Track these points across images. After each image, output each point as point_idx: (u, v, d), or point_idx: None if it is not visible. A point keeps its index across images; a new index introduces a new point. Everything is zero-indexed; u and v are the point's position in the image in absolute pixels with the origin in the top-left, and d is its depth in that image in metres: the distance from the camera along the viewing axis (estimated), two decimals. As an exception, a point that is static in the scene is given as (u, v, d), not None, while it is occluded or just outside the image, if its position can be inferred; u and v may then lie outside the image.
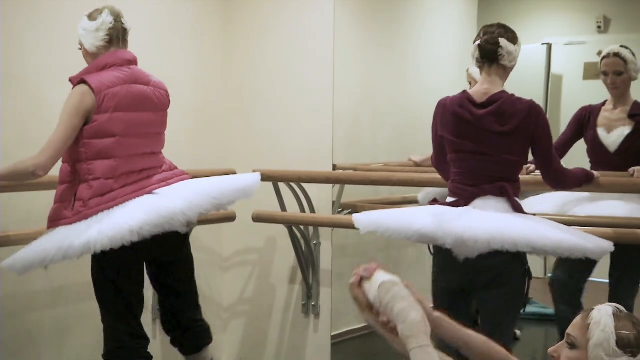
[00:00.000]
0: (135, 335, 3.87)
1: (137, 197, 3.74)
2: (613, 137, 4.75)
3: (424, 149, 4.04)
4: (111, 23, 3.84)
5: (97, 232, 3.53)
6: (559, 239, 3.61)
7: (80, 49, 3.88)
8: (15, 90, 4.48)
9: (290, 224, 5.22)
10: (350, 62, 5.60)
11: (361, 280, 2.53)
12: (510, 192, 3.71)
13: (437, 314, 2.55)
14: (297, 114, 5.55)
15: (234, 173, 5.07)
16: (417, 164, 5.23)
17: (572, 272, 4.83)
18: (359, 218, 3.96)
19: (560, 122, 5.12)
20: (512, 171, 3.76)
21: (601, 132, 4.79)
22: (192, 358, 4.11)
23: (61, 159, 3.73)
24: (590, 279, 4.90)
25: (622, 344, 2.33)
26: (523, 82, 5.86)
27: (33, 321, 4.61)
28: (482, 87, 3.78)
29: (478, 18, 5.86)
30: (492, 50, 3.77)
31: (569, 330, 2.42)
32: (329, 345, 5.47)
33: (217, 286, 5.69)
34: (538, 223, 3.71)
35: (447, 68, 5.21)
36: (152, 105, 3.87)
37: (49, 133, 4.48)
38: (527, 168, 4.38)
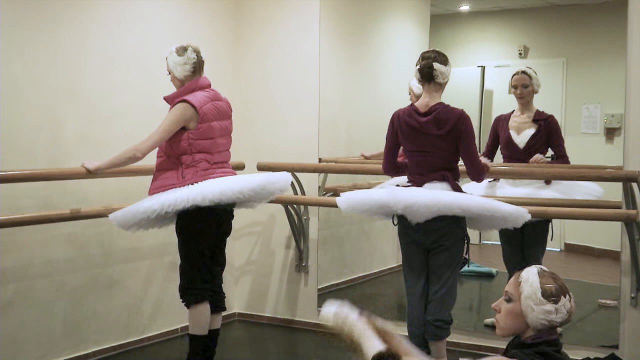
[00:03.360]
0: (204, 279, 4.07)
1: (220, 177, 4.02)
2: (522, 137, 4.95)
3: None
4: (194, 58, 4.08)
5: (199, 191, 3.85)
6: (484, 202, 3.78)
7: (169, 75, 4.13)
8: (76, 101, 4.65)
9: (286, 204, 5.35)
10: (332, 80, 5.73)
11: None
12: (449, 177, 3.83)
13: (404, 344, 2.41)
14: (291, 119, 5.69)
15: (243, 165, 5.21)
16: (366, 158, 5.42)
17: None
18: (338, 199, 4.16)
19: (491, 126, 5.24)
20: (450, 162, 3.86)
21: (513, 133, 4.97)
22: (212, 317, 4.19)
23: (158, 154, 4.03)
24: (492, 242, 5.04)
25: (546, 295, 2.39)
26: (463, 95, 6.07)
27: (91, 276, 4.80)
28: (424, 100, 3.89)
29: (429, 45, 5.95)
30: (428, 72, 3.85)
31: (506, 288, 2.49)
32: (315, 295, 5.63)
33: (230, 251, 5.55)
34: (470, 195, 3.85)
35: (404, 82, 5.26)
36: (227, 115, 4.18)
37: (102, 133, 4.72)
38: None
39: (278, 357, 5.28)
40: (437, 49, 3.98)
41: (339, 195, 5.43)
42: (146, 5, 5.07)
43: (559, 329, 2.46)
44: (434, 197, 3.70)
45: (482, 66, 6.29)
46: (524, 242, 4.93)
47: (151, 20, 5.09)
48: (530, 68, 5.01)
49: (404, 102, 5.36)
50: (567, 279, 6.08)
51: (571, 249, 6.00)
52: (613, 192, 4.58)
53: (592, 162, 5.04)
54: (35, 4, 4.36)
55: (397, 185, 3.99)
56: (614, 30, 4.75)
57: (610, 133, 5.48)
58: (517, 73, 5.02)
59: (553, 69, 5.94)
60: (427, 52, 3.95)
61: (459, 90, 5.51)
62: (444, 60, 3.88)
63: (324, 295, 5.65)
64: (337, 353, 5.17)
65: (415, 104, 3.92)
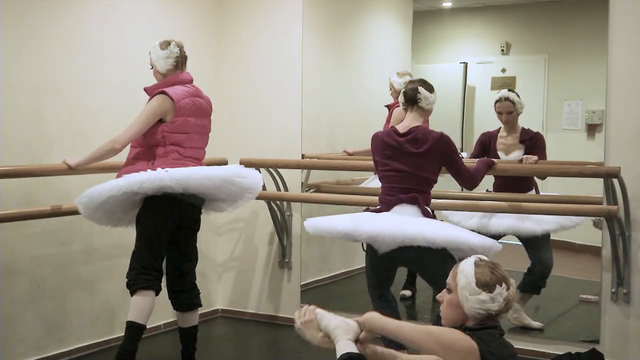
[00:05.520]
0: (157, 268, 4.02)
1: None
2: (510, 158, 4.98)
3: (367, 142, 4.12)
4: (177, 52, 4.08)
5: (167, 174, 3.82)
6: (450, 234, 3.68)
7: (152, 69, 4.12)
8: (58, 97, 4.63)
9: (269, 200, 5.35)
10: (314, 77, 5.73)
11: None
12: (420, 201, 3.78)
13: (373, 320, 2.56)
14: (274, 115, 5.68)
15: (226, 161, 5.17)
16: (349, 154, 5.42)
17: None
18: (307, 223, 4.07)
19: (474, 122, 5.27)
20: (424, 185, 3.84)
21: (501, 154, 5.04)
22: (187, 315, 4.20)
23: (132, 144, 4.01)
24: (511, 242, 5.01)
25: (480, 284, 2.42)
26: (446, 92, 6.10)
27: (72, 273, 4.77)
28: (405, 122, 3.91)
29: (412, 42, 5.97)
30: (413, 95, 3.89)
31: (447, 279, 2.53)
32: (299, 291, 5.64)
33: (213, 247, 5.79)
34: (437, 223, 3.80)
35: (386, 79, 5.26)
36: (206, 113, 4.16)
37: (84, 129, 4.69)
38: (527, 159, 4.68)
39: (261, 353, 5.27)
40: (424, 79, 4.02)
41: (321, 192, 5.46)
42: (129, 3, 5.04)
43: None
44: (398, 228, 3.64)
45: (464, 62, 6.32)
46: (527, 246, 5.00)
47: (134, 18, 5.07)
48: (512, 91, 5.04)
49: (386, 99, 5.40)
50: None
51: (552, 245, 6.02)
52: (594, 188, 4.60)
53: (573, 158, 5.08)
54: (19, 1, 4.32)
55: (367, 209, 3.98)
56: (595, 27, 4.78)
57: (592, 129, 5.51)
58: (499, 100, 5.03)
59: (535, 66, 5.98)
60: (413, 81, 4.00)
61: (442, 86, 5.51)
62: (429, 88, 3.92)
63: (307, 291, 5.65)
64: (320, 349, 5.17)
65: (397, 126, 3.94)
